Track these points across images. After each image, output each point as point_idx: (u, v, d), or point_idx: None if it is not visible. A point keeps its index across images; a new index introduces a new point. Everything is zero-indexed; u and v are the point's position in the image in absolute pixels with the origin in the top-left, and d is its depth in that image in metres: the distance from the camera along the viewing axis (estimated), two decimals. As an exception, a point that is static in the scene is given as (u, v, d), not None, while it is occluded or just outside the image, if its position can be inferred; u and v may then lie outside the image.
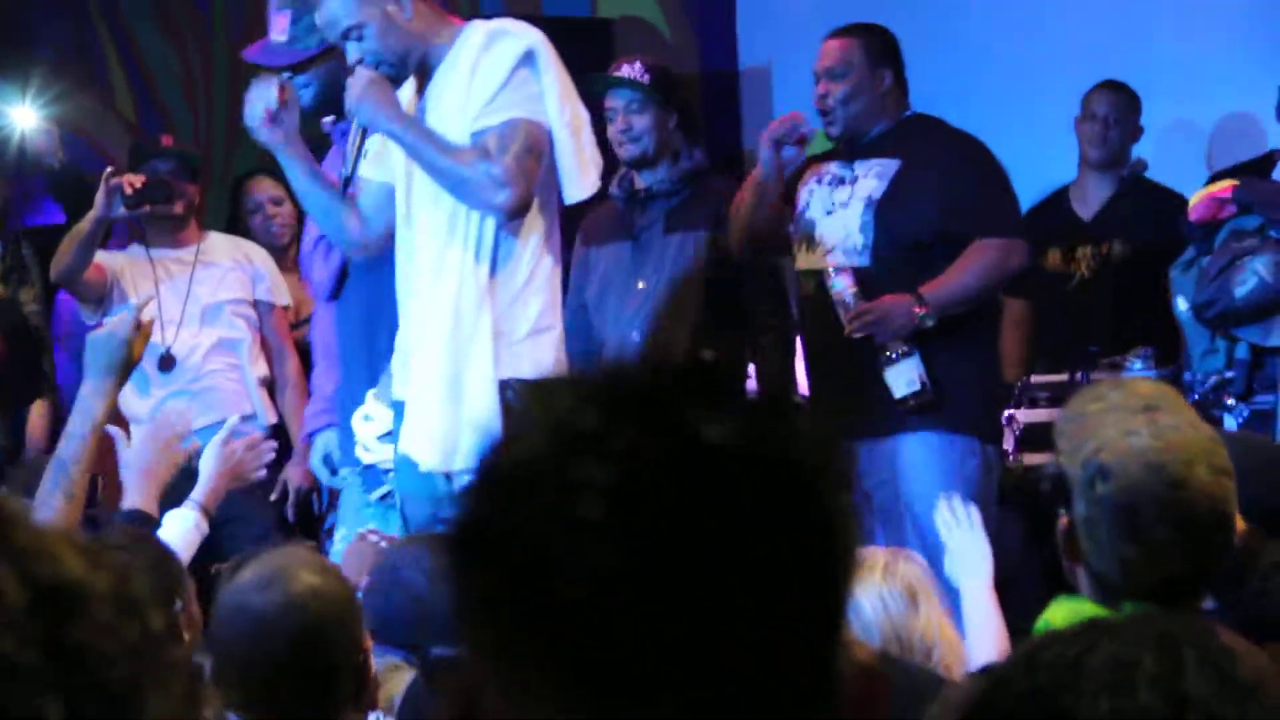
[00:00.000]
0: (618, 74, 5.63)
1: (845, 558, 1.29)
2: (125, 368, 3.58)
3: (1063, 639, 1.37)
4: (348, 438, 4.69)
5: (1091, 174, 6.20)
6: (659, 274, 5.63)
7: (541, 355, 4.28)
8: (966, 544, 3.63)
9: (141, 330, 3.60)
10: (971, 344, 5.10)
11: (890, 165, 5.12)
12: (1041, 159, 6.30)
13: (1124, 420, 2.48)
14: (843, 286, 4.95)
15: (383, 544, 4.09)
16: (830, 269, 5.00)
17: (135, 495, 3.71)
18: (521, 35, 4.27)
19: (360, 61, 4.27)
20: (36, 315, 7.02)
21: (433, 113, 4.29)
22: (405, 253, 4.38)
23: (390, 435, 4.44)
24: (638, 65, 5.67)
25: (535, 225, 4.31)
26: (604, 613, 1.23)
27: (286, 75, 4.37)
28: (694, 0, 7.55)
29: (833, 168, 5.25)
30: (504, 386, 4.21)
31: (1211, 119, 6.53)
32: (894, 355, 4.92)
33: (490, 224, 4.25)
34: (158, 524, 3.65)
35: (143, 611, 1.15)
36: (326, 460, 4.97)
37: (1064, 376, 5.69)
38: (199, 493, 3.81)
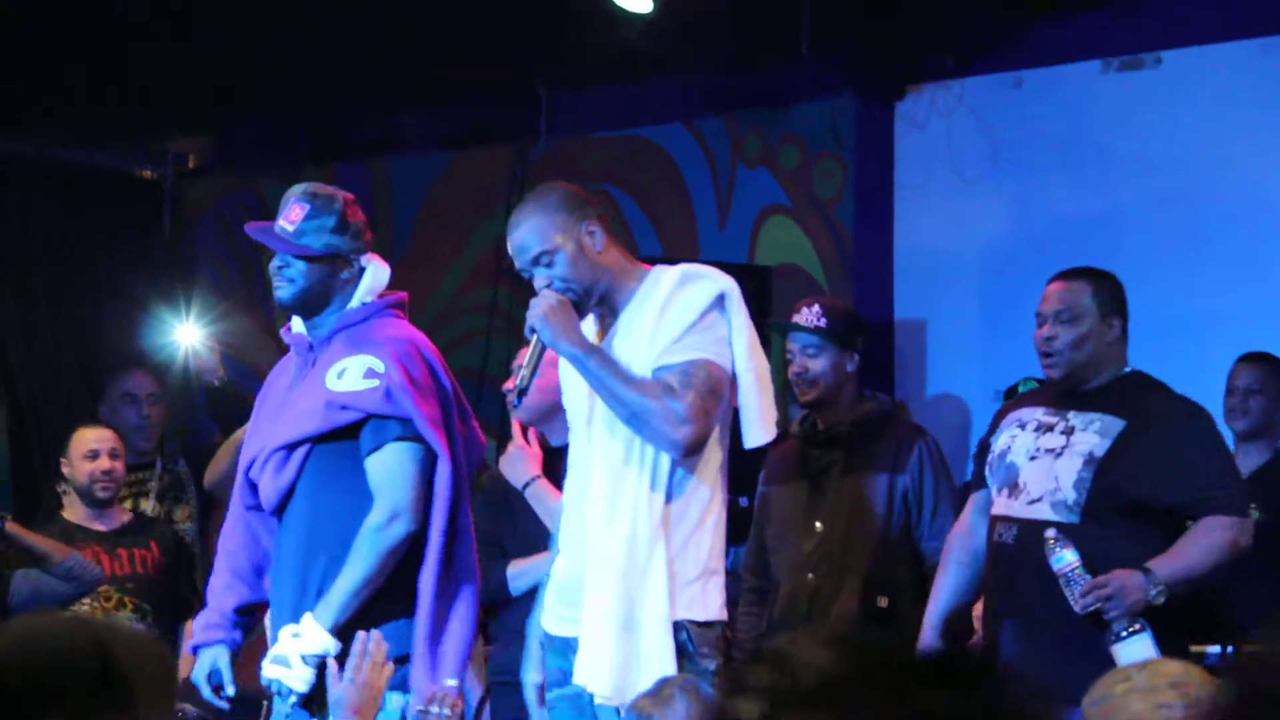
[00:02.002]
0: (795, 317, 5.70)
1: None
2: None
3: None
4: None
5: (1242, 444, 6.15)
6: (836, 516, 5.62)
7: (710, 599, 4.27)
8: None
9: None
10: (1180, 621, 4.95)
11: (1114, 423, 4.94)
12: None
13: (1151, 696, 2.47)
14: (1066, 562, 4.76)
15: None
16: (1052, 541, 4.79)
17: None
18: (715, 279, 4.32)
19: (548, 286, 4.32)
20: (191, 533, 7.15)
21: (619, 346, 4.33)
22: (580, 473, 4.39)
23: (316, 656, 4.39)
24: (816, 308, 5.75)
25: (711, 466, 4.31)
26: None
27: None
28: (851, 250, 7.62)
29: (1039, 414, 5.05)
30: (677, 627, 4.20)
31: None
32: (1125, 633, 4.74)
33: (666, 458, 4.25)
34: None
35: None
36: (212, 675, 4.72)
37: (1215, 648, 5.58)
38: None
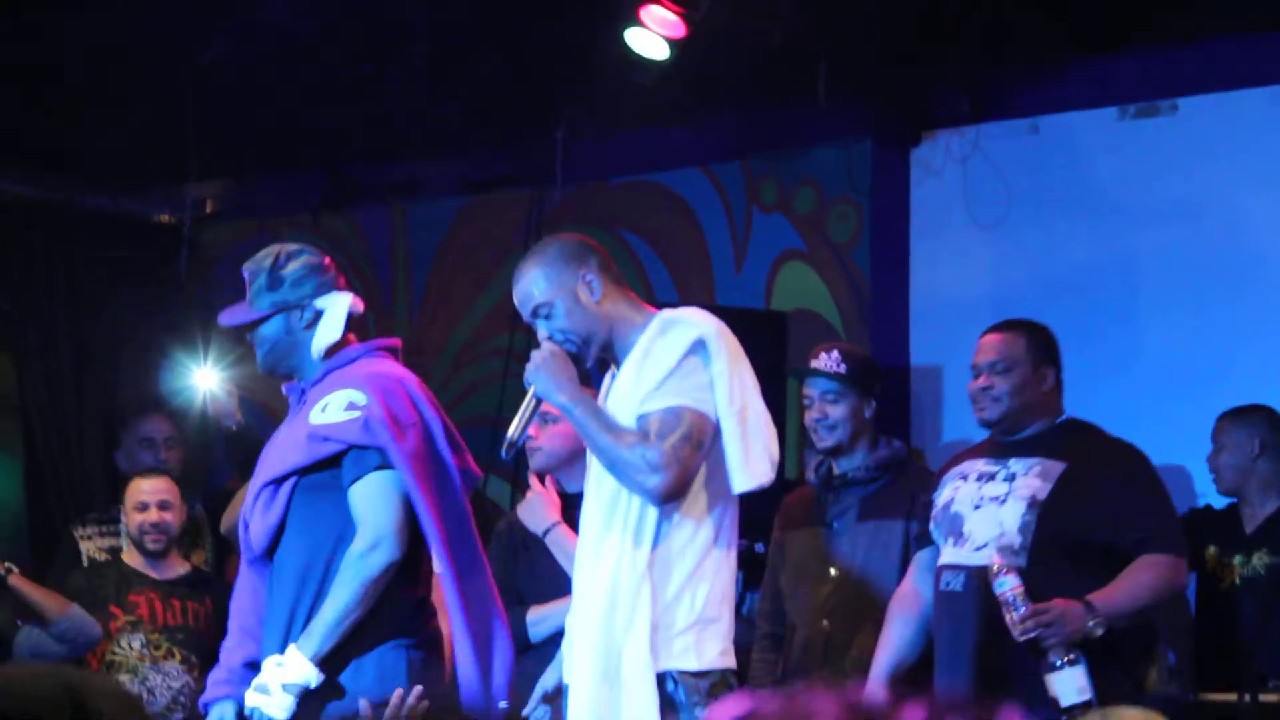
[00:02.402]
0: (815, 363, 5.71)
1: None
2: None
3: None
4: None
5: (1247, 505, 6.17)
6: (851, 562, 5.63)
7: (706, 647, 4.24)
8: None
9: None
10: (1130, 658, 5.01)
11: (1055, 466, 5.06)
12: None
13: None
14: (1009, 586, 4.87)
15: None
16: (996, 566, 4.91)
17: None
18: (695, 324, 4.30)
19: (549, 338, 4.35)
20: (206, 579, 7.15)
21: (613, 395, 4.35)
22: (582, 527, 4.41)
23: (297, 686, 4.39)
24: (835, 354, 5.75)
25: (702, 513, 4.28)
26: None
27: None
28: (868, 295, 7.62)
29: (980, 464, 5.20)
30: (664, 678, 4.18)
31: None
32: (1060, 662, 4.81)
33: (651, 508, 4.25)
34: None
35: None
36: None
37: (1233, 696, 5.59)
38: None
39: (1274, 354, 6.62)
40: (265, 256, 4.78)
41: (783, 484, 5.69)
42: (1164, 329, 6.91)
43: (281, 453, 4.64)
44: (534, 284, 4.39)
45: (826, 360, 5.77)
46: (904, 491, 5.68)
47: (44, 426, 8.45)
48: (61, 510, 8.08)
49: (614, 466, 4.23)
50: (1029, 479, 5.07)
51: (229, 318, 4.80)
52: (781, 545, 5.88)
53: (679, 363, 4.25)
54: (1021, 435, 5.19)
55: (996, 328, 5.35)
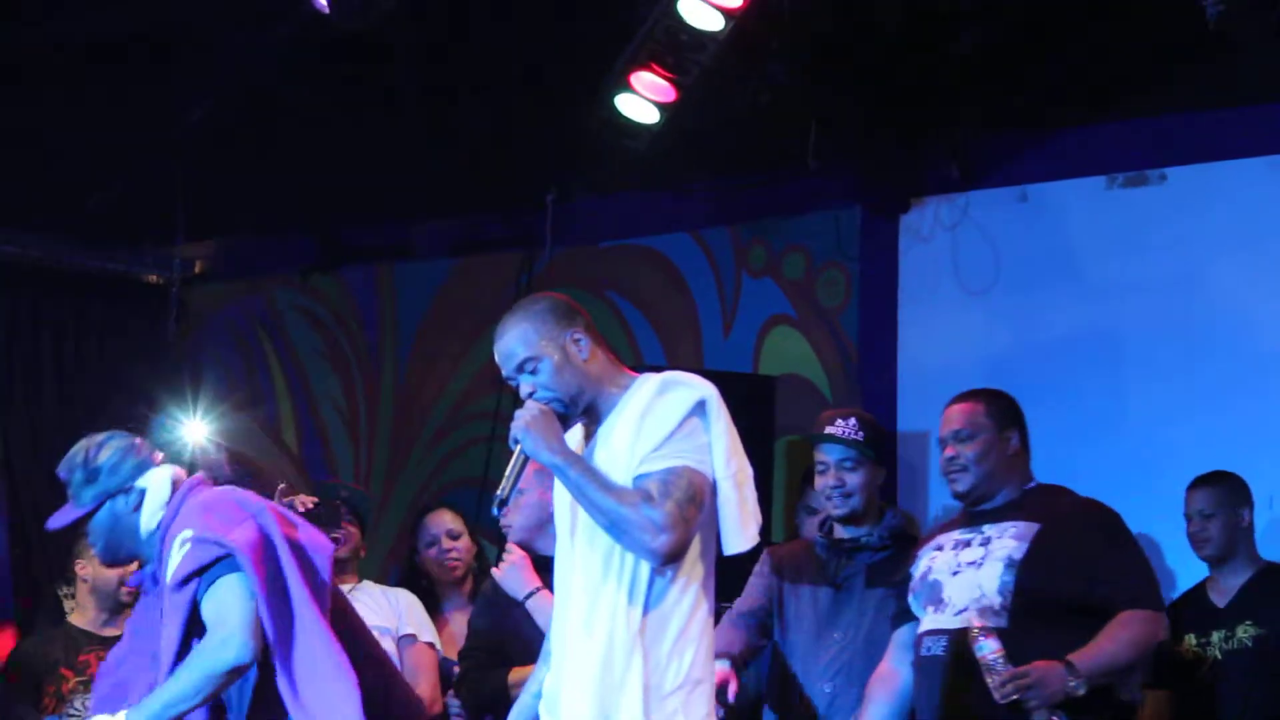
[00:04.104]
0: (831, 429, 5.70)
1: None
2: None
3: None
4: None
5: (1218, 569, 6.16)
6: (856, 627, 5.61)
7: (694, 709, 4.22)
8: None
9: None
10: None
11: (1029, 528, 5.08)
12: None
13: None
14: (990, 649, 4.87)
15: None
16: (976, 630, 4.92)
17: None
18: (695, 387, 4.30)
19: (532, 395, 4.32)
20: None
21: (600, 454, 4.31)
22: (564, 584, 4.37)
23: None
24: (852, 421, 5.73)
25: (693, 574, 4.27)
26: None
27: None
28: (856, 360, 7.63)
29: (955, 534, 5.22)
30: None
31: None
32: None
33: (645, 568, 4.22)
34: None
35: None
36: None
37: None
38: None
39: (1259, 419, 6.63)
40: (76, 453, 4.82)
41: (762, 545, 5.67)
42: (1149, 397, 6.92)
43: (167, 643, 4.59)
44: (522, 339, 4.36)
45: (844, 427, 5.74)
46: (904, 562, 5.66)
47: (30, 485, 8.42)
48: (46, 569, 8.03)
49: (615, 526, 4.20)
50: (1005, 540, 5.09)
51: (56, 520, 4.83)
52: (784, 598, 5.82)
53: (680, 423, 4.24)
54: (993, 504, 5.23)
55: (957, 398, 5.39)
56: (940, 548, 5.21)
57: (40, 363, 8.66)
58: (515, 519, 5.60)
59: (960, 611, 5.04)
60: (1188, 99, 6.97)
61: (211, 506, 4.61)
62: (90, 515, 4.77)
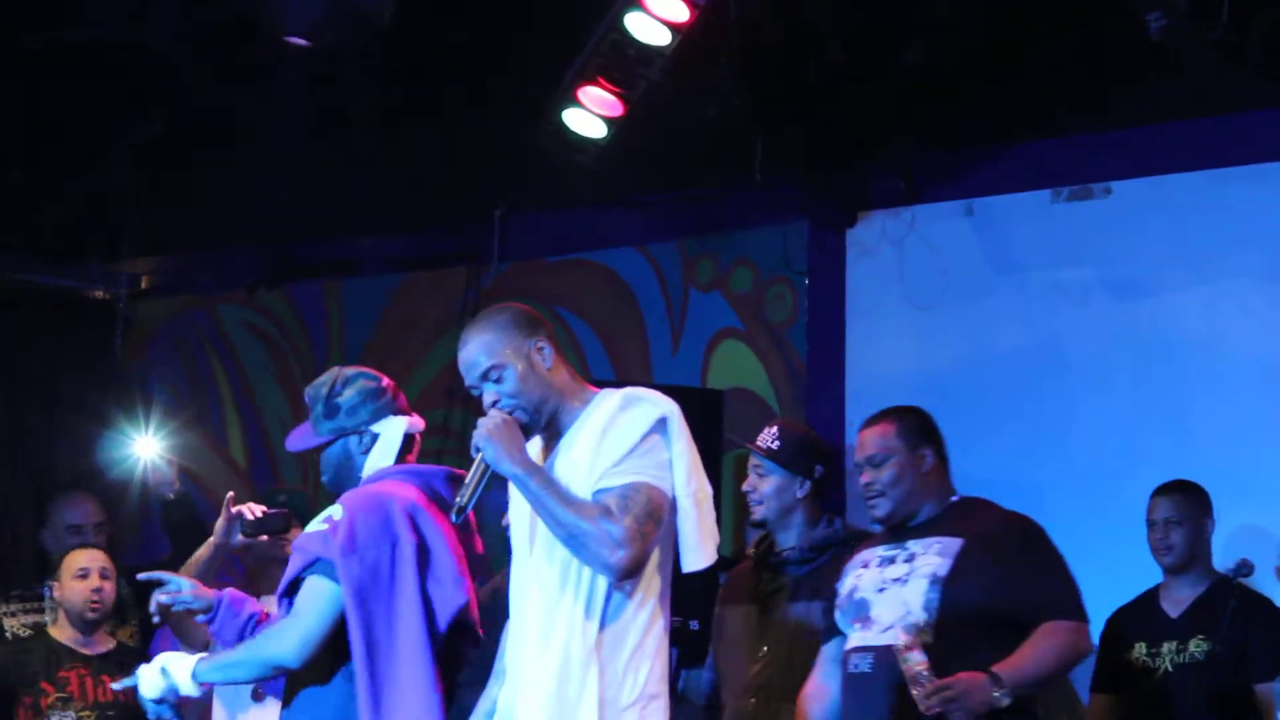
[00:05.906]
0: (758, 438, 5.76)
1: None
2: None
3: None
4: None
5: (1172, 577, 6.15)
6: (780, 641, 5.62)
7: (649, 725, 4.23)
8: None
9: None
10: None
11: (952, 543, 5.07)
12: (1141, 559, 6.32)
13: None
14: (915, 662, 4.87)
15: None
16: (902, 644, 4.90)
17: None
18: (657, 403, 4.29)
19: (495, 404, 4.31)
20: (134, 655, 7.08)
21: (560, 467, 4.31)
22: (520, 596, 4.36)
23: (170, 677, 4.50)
24: (774, 430, 5.80)
25: (650, 590, 4.27)
26: None
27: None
28: (803, 373, 7.65)
29: (880, 551, 5.21)
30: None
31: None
32: None
33: (603, 582, 4.22)
34: None
35: None
36: None
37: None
38: None
39: (1205, 431, 6.68)
40: (322, 384, 4.85)
41: (720, 561, 5.68)
42: (1096, 408, 6.96)
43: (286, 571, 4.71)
44: (485, 347, 4.34)
45: (764, 435, 5.82)
46: (837, 572, 5.68)
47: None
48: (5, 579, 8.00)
49: (574, 539, 4.19)
50: (929, 557, 5.09)
51: (294, 442, 4.87)
52: (720, 621, 5.89)
53: (640, 439, 4.23)
54: (916, 521, 5.22)
55: (868, 421, 5.36)
56: (866, 565, 5.21)
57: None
58: None
59: (887, 629, 5.04)
60: (1131, 114, 7.02)
61: (368, 511, 4.58)
62: (325, 447, 4.78)
